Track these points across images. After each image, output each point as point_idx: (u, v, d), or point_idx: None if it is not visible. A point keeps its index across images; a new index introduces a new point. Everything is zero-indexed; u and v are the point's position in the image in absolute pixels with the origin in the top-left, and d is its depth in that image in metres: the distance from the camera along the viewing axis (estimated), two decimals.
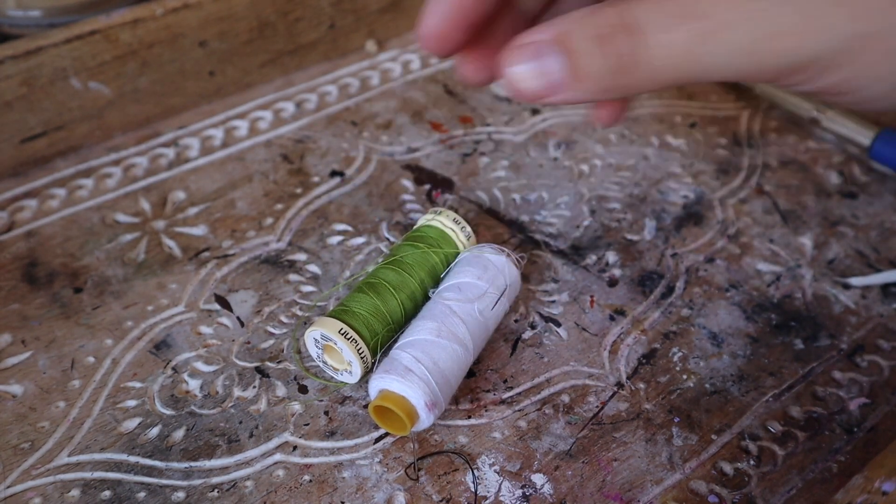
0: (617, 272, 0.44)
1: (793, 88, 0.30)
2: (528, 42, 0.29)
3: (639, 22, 0.28)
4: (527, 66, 0.29)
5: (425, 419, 0.35)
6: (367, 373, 0.37)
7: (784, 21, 0.27)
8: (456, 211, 0.47)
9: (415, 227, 0.42)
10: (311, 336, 0.37)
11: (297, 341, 0.40)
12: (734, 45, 0.27)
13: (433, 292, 0.38)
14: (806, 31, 0.27)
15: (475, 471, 0.35)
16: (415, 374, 0.34)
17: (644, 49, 0.28)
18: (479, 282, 0.38)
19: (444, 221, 0.41)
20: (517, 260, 0.39)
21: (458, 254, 0.40)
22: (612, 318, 0.42)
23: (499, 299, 0.38)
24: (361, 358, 0.36)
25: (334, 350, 0.38)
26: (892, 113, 0.55)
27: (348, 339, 0.36)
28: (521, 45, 0.29)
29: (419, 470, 0.35)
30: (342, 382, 0.38)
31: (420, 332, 0.36)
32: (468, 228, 0.41)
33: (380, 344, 0.37)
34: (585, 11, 0.29)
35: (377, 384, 0.35)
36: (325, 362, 0.38)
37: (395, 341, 0.37)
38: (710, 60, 0.27)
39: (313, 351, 0.38)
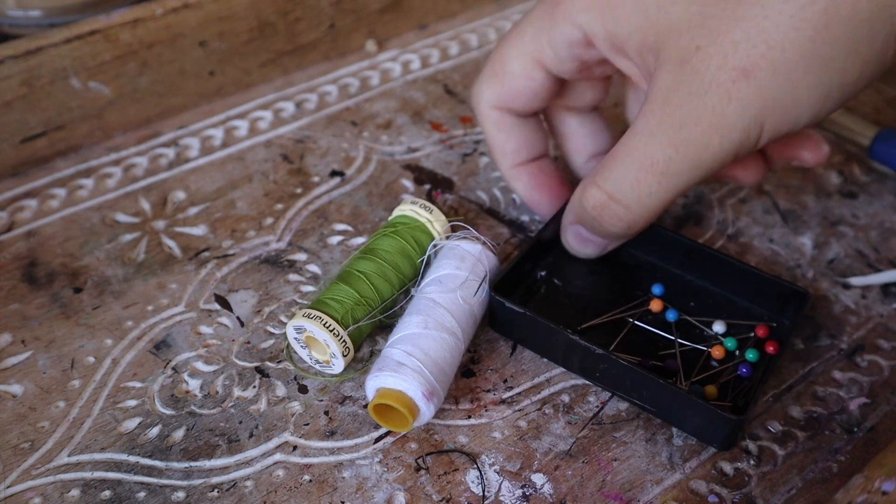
0: None
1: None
2: (567, 227, 0.41)
3: (613, 192, 0.36)
4: (577, 243, 0.41)
5: (425, 410, 0.35)
6: (348, 349, 0.37)
7: (698, 140, 0.33)
8: (456, 211, 0.47)
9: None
10: (292, 337, 0.38)
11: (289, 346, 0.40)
12: (683, 170, 0.34)
13: (416, 290, 0.39)
14: (717, 135, 0.33)
15: (480, 470, 0.35)
16: (408, 367, 0.34)
17: (626, 209, 0.36)
18: (459, 272, 0.38)
19: (403, 208, 0.41)
20: (493, 246, 0.40)
21: (421, 226, 0.41)
22: None
23: (480, 285, 0.38)
24: (332, 332, 0.36)
25: (314, 340, 0.38)
26: (893, 112, 0.54)
27: (312, 319, 0.36)
28: (565, 231, 0.41)
29: (426, 458, 0.35)
30: (338, 376, 0.38)
31: (407, 327, 0.36)
32: (428, 204, 0.42)
33: (353, 319, 0.37)
34: (577, 194, 0.38)
35: (373, 384, 0.35)
36: (317, 361, 0.38)
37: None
38: (676, 186, 0.35)
39: (303, 352, 0.38)
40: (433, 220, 0.41)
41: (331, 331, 0.36)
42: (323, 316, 0.36)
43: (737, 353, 0.39)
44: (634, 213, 0.36)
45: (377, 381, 0.35)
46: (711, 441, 0.36)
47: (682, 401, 0.35)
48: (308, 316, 0.37)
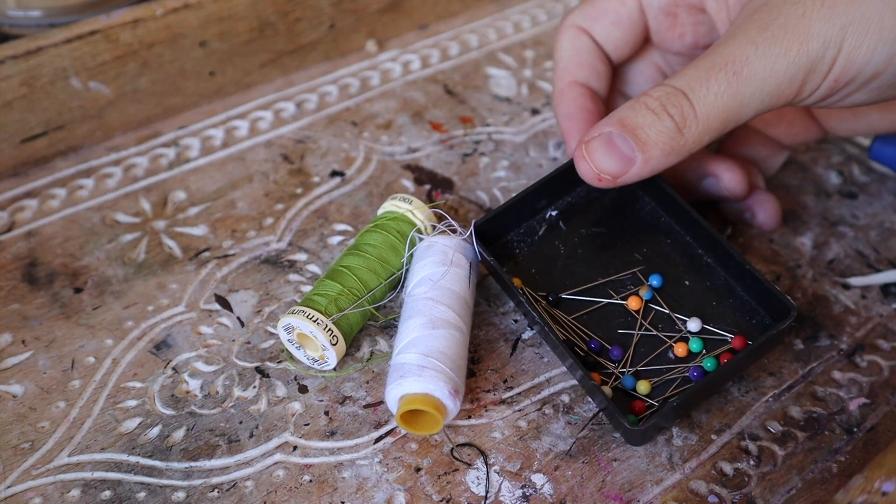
0: None
1: (813, 102, 0.35)
2: (597, 133, 0.36)
3: (681, 85, 0.34)
4: (601, 153, 0.36)
5: (452, 407, 0.35)
6: (336, 338, 0.37)
7: (780, 42, 0.33)
8: (456, 211, 0.47)
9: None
10: (285, 340, 0.38)
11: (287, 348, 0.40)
12: (756, 76, 0.33)
13: (405, 293, 0.39)
14: (797, 41, 0.33)
15: (486, 469, 0.35)
16: (430, 370, 0.34)
17: (690, 105, 0.34)
18: (444, 266, 0.38)
19: (385, 205, 0.41)
20: (466, 236, 0.40)
21: (402, 216, 0.41)
22: None
23: (469, 273, 0.38)
24: (316, 322, 0.36)
25: (305, 337, 0.38)
26: None
27: (296, 314, 0.37)
28: (592, 138, 0.36)
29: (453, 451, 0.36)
30: (338, 373, 0.38)
31: (413, 330, 0.36)
32: (407, 196, 0.42)
33: (338, 308, 0.37)
34: (637, 95, 0.36)
35: (396, 393, 0.35)
36: (314, 360, 0.38)
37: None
38: (742, 96, 0.34)
39: (299, 354, 0.38)
40: (414, 210, 0.41)
41: (314, 321, 0.36)
42: (306, 309, 0.37)
43: (703, 351, 0.38)
44: (696, 109, 0.34)
45: (401, 389, 0.34)
46: (621, 433, 0.36)
47: (591, 388, 0.36)
48: (292, 312, 0.37)
